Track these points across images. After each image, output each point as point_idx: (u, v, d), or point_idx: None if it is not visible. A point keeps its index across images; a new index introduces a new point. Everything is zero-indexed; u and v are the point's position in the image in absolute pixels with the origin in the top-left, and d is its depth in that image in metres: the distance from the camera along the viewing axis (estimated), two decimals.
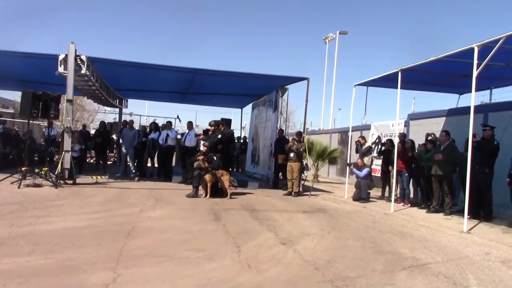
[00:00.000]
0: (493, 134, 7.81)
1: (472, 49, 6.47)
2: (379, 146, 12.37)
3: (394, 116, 10.90)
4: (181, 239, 5.08)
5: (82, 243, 4.53)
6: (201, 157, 9.09)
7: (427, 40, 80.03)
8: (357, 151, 11.64)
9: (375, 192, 11.03)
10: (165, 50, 79.89)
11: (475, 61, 6.43)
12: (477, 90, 7.19)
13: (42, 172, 9.43)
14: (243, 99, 16.20)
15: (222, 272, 3.83)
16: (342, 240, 5.55)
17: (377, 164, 12.17)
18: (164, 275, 3.63)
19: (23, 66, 11.14)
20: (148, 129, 13.20)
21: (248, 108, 17.45)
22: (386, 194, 10.66)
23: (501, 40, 6.09)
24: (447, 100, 58.87)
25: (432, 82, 10.48)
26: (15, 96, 25.63)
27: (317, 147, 16.58)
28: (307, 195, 10.55)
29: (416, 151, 9.49)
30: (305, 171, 11.17)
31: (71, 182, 9.56)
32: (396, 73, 8.55)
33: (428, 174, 8.77)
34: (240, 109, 18.61)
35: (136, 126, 14.17)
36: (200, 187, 9.13)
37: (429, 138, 9.43)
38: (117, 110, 18.45)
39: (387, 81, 9.67)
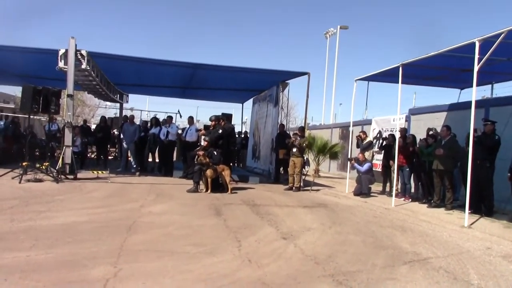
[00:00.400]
0: (494, 129, 7.78)
1: (473, 44, 6.43)
2: (380, 141, 12.35)
3: (395, 111, 10.88)
4: (182, 234, 5.09)
5: (83, 238, 4.55)
6: (201, 152, 9.09)
7: (428, 35, 79.75)
8: (358, 146, 11.64)
9: (376, 187, 11.04)
10: (165, 49, 79.52)
11: (476, 56, 6.39)
12: (478, 84, 7.16)
13: (43, 167, 9.44)
14: (244, 94, 16.18)
15: (222, 267, 3.84)
16: (343, 234, 5.56)
17: (378, 159, 12.18)
18: (164, 270, 3.63)
19: (23, 61, 11.13)
20: (149, 124, 13.18)
21: (249, 103, 17.48)
22: (387, 189, 10.67)
23: (503, 35, 6.04)
24: (448, 95, 58.71)
25: (433, 76, 10.44)
26: (16, 91, 25.68)
27: (318, 142, 16.53)
28: (308, 190, 10.55)
29: (417, 146, 9.46)
30: (306, 166, 11.17)
31: (72, 177, 9.58)
32: (397, 67, 8.51)
33: (429, 169, 8.75)
34: (241, 104, 18.59)
35: (137, 121, 14.15)
36: (201, 182, 9.14)
37: (430, 133, 9.39)
38: (118, 105, 18.40)
39: (388, 76, 9.64)
